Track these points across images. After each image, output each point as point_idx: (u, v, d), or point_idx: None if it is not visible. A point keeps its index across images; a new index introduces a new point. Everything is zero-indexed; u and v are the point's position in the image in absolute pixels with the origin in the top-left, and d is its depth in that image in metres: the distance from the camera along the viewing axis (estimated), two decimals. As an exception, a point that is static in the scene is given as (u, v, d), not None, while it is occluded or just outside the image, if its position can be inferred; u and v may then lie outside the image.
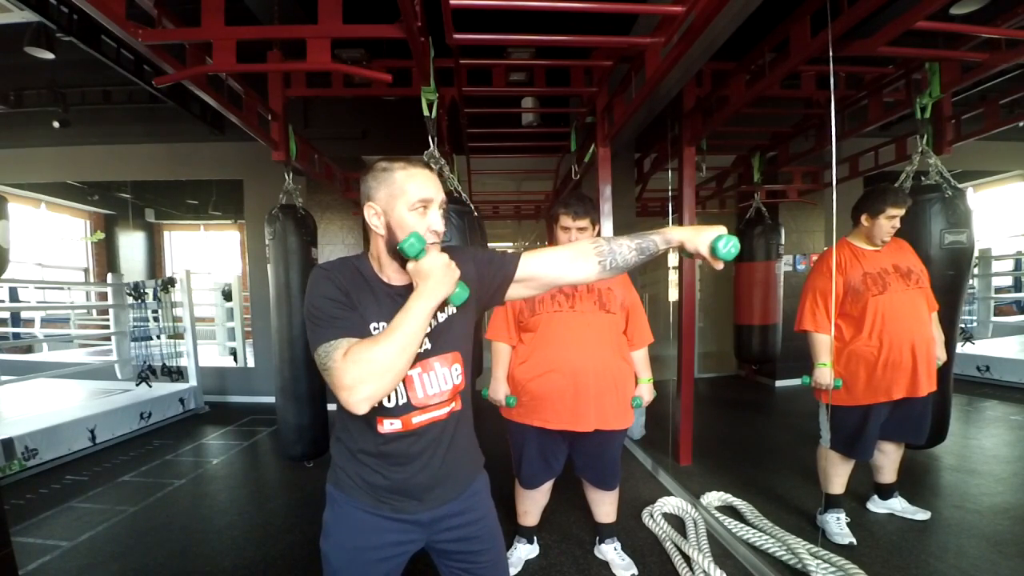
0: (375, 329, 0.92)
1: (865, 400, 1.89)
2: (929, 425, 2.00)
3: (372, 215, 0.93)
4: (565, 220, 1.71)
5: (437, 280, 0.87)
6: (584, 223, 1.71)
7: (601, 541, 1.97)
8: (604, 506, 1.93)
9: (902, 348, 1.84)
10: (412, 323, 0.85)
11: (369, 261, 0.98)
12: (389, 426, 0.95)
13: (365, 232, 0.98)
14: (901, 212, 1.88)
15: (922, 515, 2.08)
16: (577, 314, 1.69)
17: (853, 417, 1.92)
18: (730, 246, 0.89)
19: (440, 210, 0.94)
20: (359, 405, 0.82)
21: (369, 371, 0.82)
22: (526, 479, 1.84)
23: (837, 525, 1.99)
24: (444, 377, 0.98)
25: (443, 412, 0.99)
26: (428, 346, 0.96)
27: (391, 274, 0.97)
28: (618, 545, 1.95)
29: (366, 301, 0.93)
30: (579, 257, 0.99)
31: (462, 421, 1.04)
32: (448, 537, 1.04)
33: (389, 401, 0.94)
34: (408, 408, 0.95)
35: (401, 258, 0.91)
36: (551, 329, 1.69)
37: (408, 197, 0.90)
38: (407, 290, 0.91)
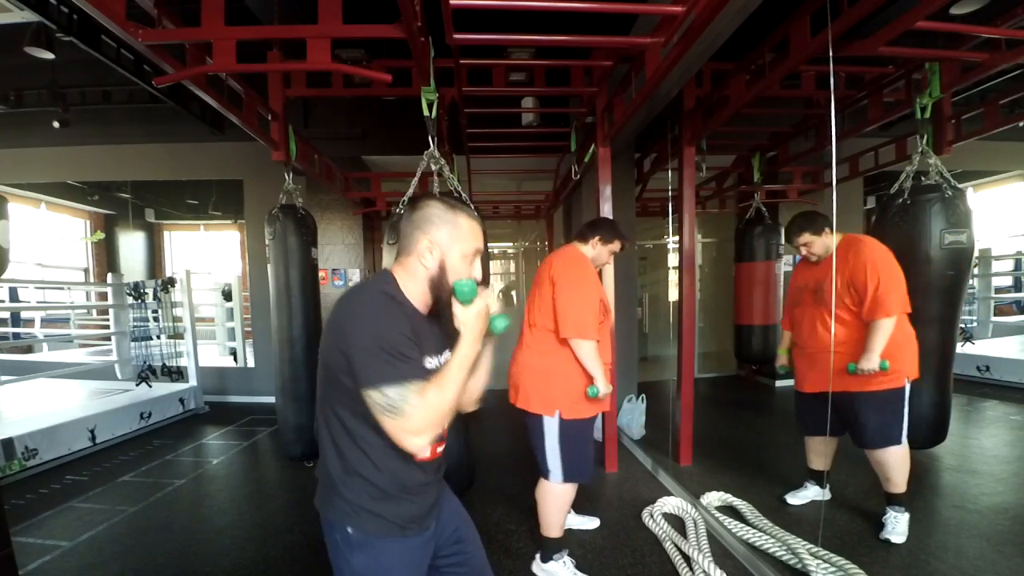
0: (427, 362, 0.94)
1: (797, 386, 2.29)
2: (864, 431, 1.95)
3: (426, 249, 0.94)
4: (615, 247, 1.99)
5: (483, 327, 0.92)
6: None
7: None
8: None
9: (801, 351, 2.21)
10: (467, 367, 0.89)
11: (398, 286, 0.95)
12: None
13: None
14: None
15: (896, 538, 1.93)
16: None
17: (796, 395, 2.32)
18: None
19: (479, 259, 1.00)
20: (423, 450, 0.87)
21: (439, 416, 0.85)
22: (592, 469, 1.93)
23: (799, 491, 2.30)
24: None
25: None
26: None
27: (416, 301, 0.96)
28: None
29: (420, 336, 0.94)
30: None
31: None
32: (447, 537, 1.07)
33: None
34: (440, 436, 0.97)
35: (440, 295, 0.95)
36: (605, 328, 1.94)
37: (466, 245, 0.96)
38: (432, 316, 0.98)
